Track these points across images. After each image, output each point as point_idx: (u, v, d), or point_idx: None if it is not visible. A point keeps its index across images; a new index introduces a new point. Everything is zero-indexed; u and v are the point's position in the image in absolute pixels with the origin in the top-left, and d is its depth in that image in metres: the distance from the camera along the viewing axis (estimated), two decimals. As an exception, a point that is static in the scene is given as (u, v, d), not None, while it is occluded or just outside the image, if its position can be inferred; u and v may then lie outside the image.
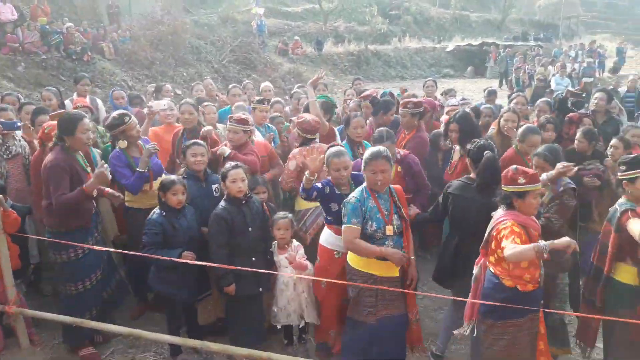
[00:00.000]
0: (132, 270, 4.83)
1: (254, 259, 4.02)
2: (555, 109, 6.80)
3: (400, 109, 5.46)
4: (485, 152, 3.91)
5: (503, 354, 3.41)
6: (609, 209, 3.80)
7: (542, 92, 12.45)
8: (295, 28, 26.97)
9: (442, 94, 8.40)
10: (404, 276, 3.77)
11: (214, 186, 4.48)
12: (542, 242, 3.09)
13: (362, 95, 6.63)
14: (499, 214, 3.45)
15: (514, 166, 3.45)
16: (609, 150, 5.22)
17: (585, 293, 3.96)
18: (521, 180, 3.32)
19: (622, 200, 3.67)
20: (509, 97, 8.45)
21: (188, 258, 3.88)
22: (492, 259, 3.46)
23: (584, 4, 43.11)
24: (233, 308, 4.17)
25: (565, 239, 3.06)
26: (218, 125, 5.89)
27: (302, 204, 4.83)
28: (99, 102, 7.52)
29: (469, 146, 4.20)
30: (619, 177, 3.67)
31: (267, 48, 21.65)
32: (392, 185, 3.78)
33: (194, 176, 4.41)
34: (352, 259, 3.77)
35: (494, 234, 3.38)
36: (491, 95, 8.03)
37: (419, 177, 4.83)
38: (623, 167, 3.62)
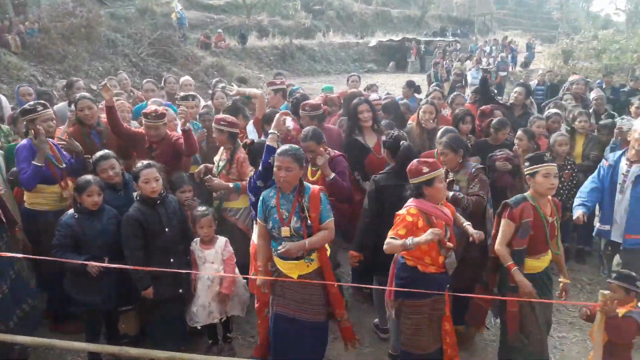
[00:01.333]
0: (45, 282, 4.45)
1: (172, 260, 3.91)
2: (477, 100, 7.18)
3: (300, 111, 5.40)
4: (401, 142, 4.13)
5: (412, 331, 3.61)
6: None
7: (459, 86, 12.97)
8: (217, 21, 26.45)
9: (365, 89, 8.53)
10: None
11: (134, 193, 4.20)
12: (408, 240, 3.27)
13: (269, 82, 6.57)
14: (408, 202, 3.62)
15: (415, 159, 3.64)
16: (516, 142, 5.53)
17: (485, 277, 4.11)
18: (425, 169, 3.51)
19: (526, 193, 3.85)
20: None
21: (93, 268, 3.69)
22: None
23: (496, 1, 45.38)
24: (153, 312, 4.03)
25: (427, 235, 3.21)
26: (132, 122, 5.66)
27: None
28: (3, 99, 6.97)
29: (384, 137, 4.41)
30: (524, 172, 3.89)
31: (188, 41, 21.09)
32: (311, 186, 3.68)
33: (110, 186, 4.19)
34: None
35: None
36: (410, 88, 8.29)
37: (342, 177, 4.66)
38: (527, 163, 3.84)
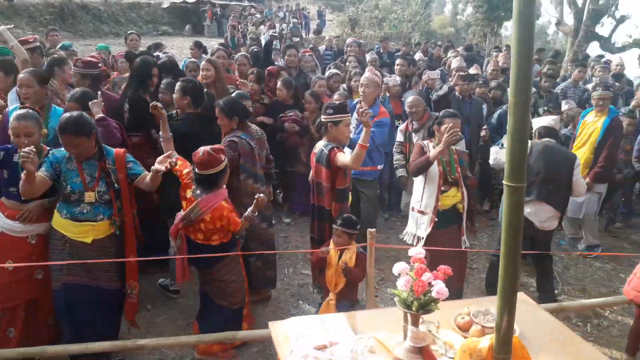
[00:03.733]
0: None
1: None
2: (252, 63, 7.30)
3: (72, 67, 4.95)
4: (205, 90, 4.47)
5: (231, 287, 3.75)
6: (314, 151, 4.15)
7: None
8: (-25, -28, 22.44)
9: (148, 48, 8.07)
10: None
11: None
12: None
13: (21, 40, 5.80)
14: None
15: (206, 148, 3.43)
16: (305, 105, 5.83)
17: (315, 234, 4.20)
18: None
19: (322, 142, 4.03)
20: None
21: None
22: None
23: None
24: None
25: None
26: None
27: None
28: None
29: (183, 83, 4.33)
30: (324, 120, 4.01)
31: None
32: (113, 150, 3.50)
33: None
34: (54, 218, 3.41)
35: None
36: (199, 49, 8.18)
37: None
38: (330, 111, 3.97)
